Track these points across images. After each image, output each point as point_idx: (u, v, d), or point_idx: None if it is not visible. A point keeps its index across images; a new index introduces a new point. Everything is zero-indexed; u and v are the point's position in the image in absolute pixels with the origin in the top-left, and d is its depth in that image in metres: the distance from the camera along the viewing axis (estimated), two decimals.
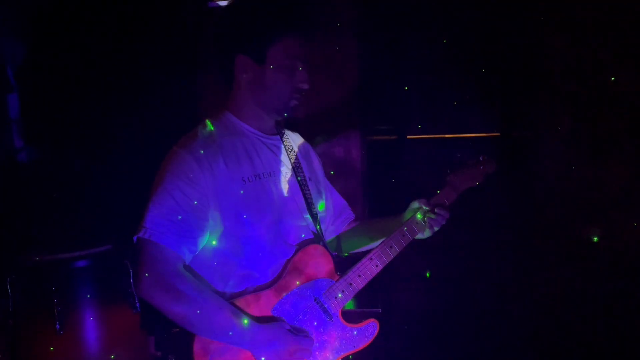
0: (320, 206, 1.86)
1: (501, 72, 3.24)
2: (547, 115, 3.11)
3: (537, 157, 3.17)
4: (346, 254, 2.02)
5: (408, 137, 3.57)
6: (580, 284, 2.98)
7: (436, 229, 1.80)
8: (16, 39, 2.80)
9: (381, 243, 1.77)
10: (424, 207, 1.79)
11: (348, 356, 1.73)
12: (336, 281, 1.71)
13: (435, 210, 1.78)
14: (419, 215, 1.79)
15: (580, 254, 3.04)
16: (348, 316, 1.73)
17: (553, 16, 2.94)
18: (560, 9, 2.90)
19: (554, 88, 3.02)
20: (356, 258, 1.80)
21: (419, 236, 1.82)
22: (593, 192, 3.05)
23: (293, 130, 1.96)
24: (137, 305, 1.95)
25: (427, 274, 2.78)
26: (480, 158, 1.96)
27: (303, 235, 1.73)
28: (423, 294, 3.32)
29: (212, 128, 1.67)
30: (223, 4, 2.94)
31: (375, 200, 3.23)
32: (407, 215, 1.84)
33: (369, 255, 1.74)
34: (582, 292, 2.97)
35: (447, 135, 3.49)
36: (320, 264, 1.70)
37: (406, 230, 1.78)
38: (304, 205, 1.76)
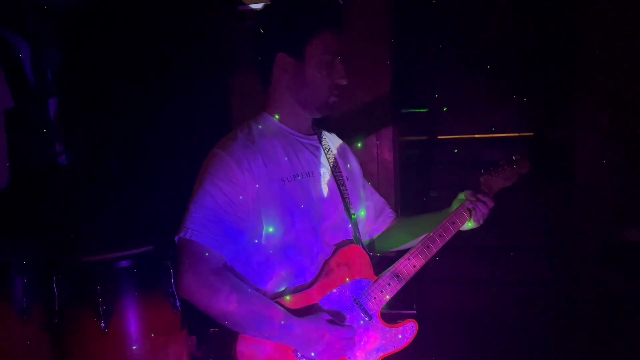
0: (361, 209, 1.87)
1: (536, 70, 3.19)
2: (584, 115, 3.05)
3: (573, 158, 3.11)
4: (379, 254, 2.01)
5: (439, 137, 3.56)
6: (620, 286, 2.92)
7: (481, 220, 1.80)
8: (56, 44, 2.87)
9: (422, 240, 1.76)
10: (470, 197, 1.80)
11: (387, 356, 1.73)
12: (375, 282, 1.71)
13: (479, 196, 1.78)
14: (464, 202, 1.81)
15: (620, 256, 2.98)
16: (385, 317, 1.73)
17: (591, 13, 2.88)
18: (598, 6, 2.85)
19: (592, 86, 2.96)
20: (391, 258, 1.80)
21: (465, 227, 1.83)
22: (631, 192, 2.99)
23: (328, 131, 1.97)
24: (178, 305, 1.98)
25: None
26: (514, 158, 1.93)
27: (341, 236, 1.74)
28: (457, 296, 3.30)
29: (251, 129, 1.70)
30: (254, 6, 2.97)
31: (407, 200, 3.22)
32: (455, 205, 1.85)
33: (406, 255, 1.74)
34: (622, 295, 2.91)
35: (478, 135, 3.47)
36: (358, 264, 1.70)
37: (443, 231, 1.78)
38: (342, 206, 1.76)
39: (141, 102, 2.86)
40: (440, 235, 1.77)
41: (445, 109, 3.34)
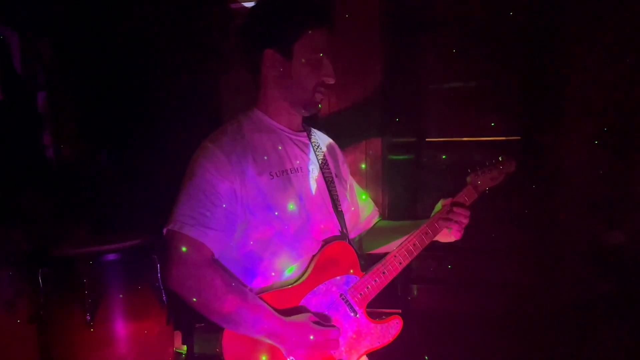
0: (349, 206, 1.88)
1: (522, 75, 3.23)
2: (570, 120, 3.10)
3: (558, 161, 3.15)
4: (365, 253, 2.02)
5: (427, 139, 3.58)
6: (606, 288, 2.96)
7: (457, 235, 1.79)
8: (47, 38, 2.87)
9: (404, 241, 1.77)
10: (446, 207, 1.80)
11: (373, 352, 1.75)
12: (361, 278, 1.72)
13: (454, 209, 1.78)
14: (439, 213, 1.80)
15: (602, 258, 3.02)
16: (371, 314, 1.75)
17: (579, 21, 2.93)
18: (586, 15, 2.90)
19: (578, 92, 3.01)
20: (378, 256, 1.81)
21: (443, 238, 1.82)
22: (616, 196, 3.03)
23: (318, 129, 1.98)
24: (164, 299, 1.98)
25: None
26: (500, 158, 1.95)
27: (329, 231, 1.75)
28: (444, 297, 3.32)
29: (240, 124, 1.71)
30: (246, 5, 2.98)
31: (394, 202, 3.24)
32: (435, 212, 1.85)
33: (393, 253, 1.75)
34: (607, 297, 2.95)
35: (466, 139, 3.49)
36: (345, 260, 1.72)
37: (429, 229, 1.78)
38: (330, 202, 1.78)
39: (131, 97, 2.86)
40: (414, 245, 1.76)
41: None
